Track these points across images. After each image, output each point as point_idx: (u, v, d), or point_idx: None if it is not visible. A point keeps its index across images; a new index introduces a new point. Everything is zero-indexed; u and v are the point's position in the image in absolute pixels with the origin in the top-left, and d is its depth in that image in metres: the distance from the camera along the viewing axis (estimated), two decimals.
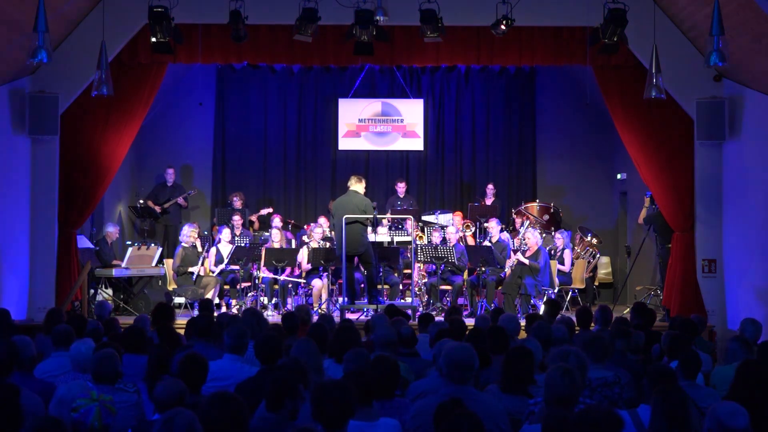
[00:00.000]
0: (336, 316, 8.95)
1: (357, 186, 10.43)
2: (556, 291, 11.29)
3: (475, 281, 11.13)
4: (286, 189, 14.45)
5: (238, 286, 11.18)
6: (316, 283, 11.14)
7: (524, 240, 11.49)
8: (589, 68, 10.59)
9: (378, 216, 10.19)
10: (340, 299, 10.82)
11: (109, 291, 11.53)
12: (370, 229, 10.78)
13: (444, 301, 11.20)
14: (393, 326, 6.06)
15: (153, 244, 11.88)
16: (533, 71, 14.37)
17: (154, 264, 11.46)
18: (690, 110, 10.26)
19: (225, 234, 11.65)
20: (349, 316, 10.08)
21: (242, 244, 11.63)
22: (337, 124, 14.33)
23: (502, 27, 9.27)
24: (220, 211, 13.41)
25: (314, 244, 11.44)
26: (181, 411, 3.42)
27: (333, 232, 10.91)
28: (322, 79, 14.43)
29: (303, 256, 11.35)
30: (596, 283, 13.03)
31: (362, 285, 10.86)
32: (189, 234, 11.43)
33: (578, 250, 12.50)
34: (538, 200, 13.49)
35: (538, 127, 14.56)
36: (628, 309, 9.97)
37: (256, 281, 11.30)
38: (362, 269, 10.74)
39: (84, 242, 11.22)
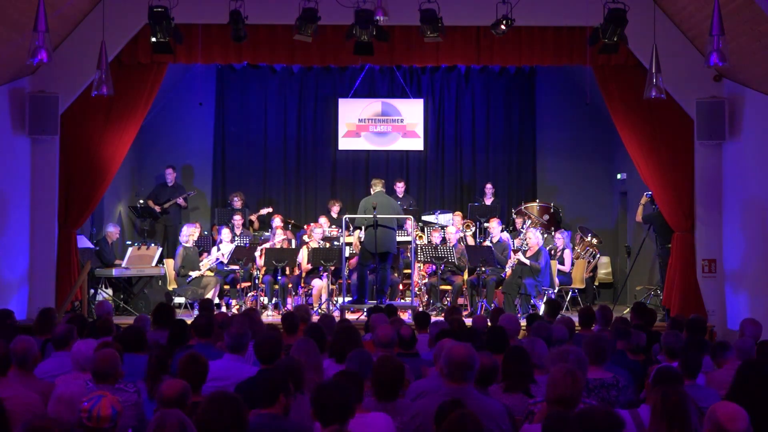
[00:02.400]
0: (336, 316, 8.95)
1: (381, 189, 10.65)
2: (556, 291, 11.29)
3: (475, 281, 11.13)
4: (286, 189, 14.44)
5: (238, 286, 11.19)
6: (316, 283, 11.14)
7: (525, 240, 11.49)
8: (589, 68, 10.58)
9: (379, 216, 10.19)
10: (340, 299, 10.82)
11: (109, 291, 11.53)
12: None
13: (444, 301, 11.19)
14: (393, 326, 6.07)
15: (153, 244, 11.89)
16: (533, 71, 14.36)
17: (154, 264, 11.46)
18: (690, 110, 10.26)
19: (225, 234, 11.65)
20: (349, 316, 10.09)
21: (242, 244, 11.63)
22: (337, 124, 14.31)
23: (502, 27, 9.27)
24: (220, 211, 13.41)
25: (314, 244, 11.44)
26: (170, 412, 3.43)
27: (357, 230, 10.94)
28: (322, 79, 14.43)
29: (303, 256, 11.35)
30: (596, 283, 13.02)
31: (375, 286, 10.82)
32: (189, 234, 11.43)
33: (578, 250, 12.49)
34: (538, 200, 13.48)
35: (538, 127, 14.55)
36: (628, 309, 9.98)
37: (256, 281, 11.30)
38: (377, 270, 10.66)
39: (84, 242, 11.22)
